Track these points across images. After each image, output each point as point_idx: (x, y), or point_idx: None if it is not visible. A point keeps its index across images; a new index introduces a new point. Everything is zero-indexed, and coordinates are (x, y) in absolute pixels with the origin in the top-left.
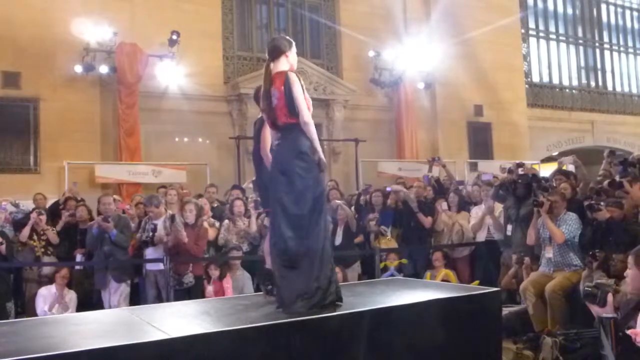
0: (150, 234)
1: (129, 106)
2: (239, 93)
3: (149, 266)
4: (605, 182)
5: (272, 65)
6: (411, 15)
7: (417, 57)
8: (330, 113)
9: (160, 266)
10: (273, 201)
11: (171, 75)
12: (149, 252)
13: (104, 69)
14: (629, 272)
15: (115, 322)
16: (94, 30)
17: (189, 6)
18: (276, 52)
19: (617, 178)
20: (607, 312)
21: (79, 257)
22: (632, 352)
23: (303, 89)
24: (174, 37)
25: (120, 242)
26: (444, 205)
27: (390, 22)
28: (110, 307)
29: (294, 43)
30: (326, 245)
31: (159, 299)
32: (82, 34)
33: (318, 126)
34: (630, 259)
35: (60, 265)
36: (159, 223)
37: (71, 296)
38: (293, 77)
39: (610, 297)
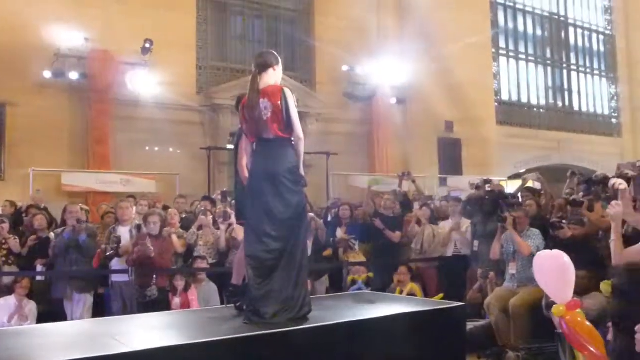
0: (115, 245)
1: (100, 113)
2: (212, 103)
3: (115, 277)
4: (569, 199)
5: (258, 77)
6: (385, 31)
7: (390, 72)
8: (303, 126)
9: (126, 277)
10: (258, 210)
11: (144, 84)
12: (115, 263)
13: (74, 75)
14: None
15: (78, 334)
16: (65, 36)
17: (164, 15)
18: (265, 66)
19: (580, 197)
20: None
21: (39, 268)
22: None
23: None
24: (147, 45)
25: (88, 248)
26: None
27: (364, 37)
28: (72, 318)
29: (280, 59)
30: (305, 256)
31: (124, 311)
32: (53, 40)
33: None
34: None
35: (22, 274)
36: (124, 233)
37: (31, 307)
38: (289, 94)
39: None
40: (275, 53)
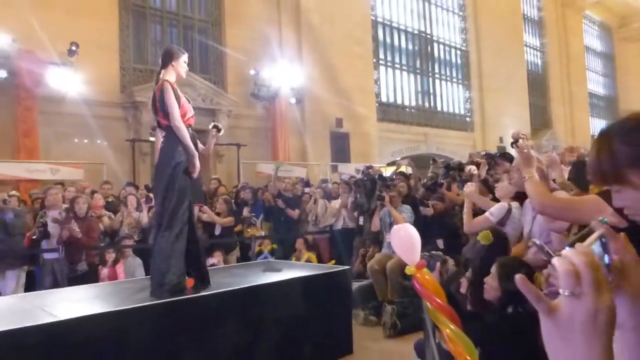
0: (42, 229)
1: (27, 109)
2: (134, 100)
3: (46, 255)
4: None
5: (162, 72)
6: (286, 41)
7: (290, 76)
8: (216, 121)
9: (57, 255)
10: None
11: (70, 83)
12: (45, 242)
13: (2, 74)
14: (489, 281)
15: (10, 308)
16: None
17: (89, 21)
18: (164, 61)
19: (441, 179)
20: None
21: None
22: None
23: (178, 97)
24: (74, 48)
25: (14, 226)
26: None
27: (268, 46)
28: (6, 294)
29: (184, 54)
30: (178, 243)
31: (55, 286)
32: None
33: (205, 132)
34: (494, 270)
35: None
36: (51, 216)
37: None
38: (166, 86)
39: (438, 264)
40: (179, 48)
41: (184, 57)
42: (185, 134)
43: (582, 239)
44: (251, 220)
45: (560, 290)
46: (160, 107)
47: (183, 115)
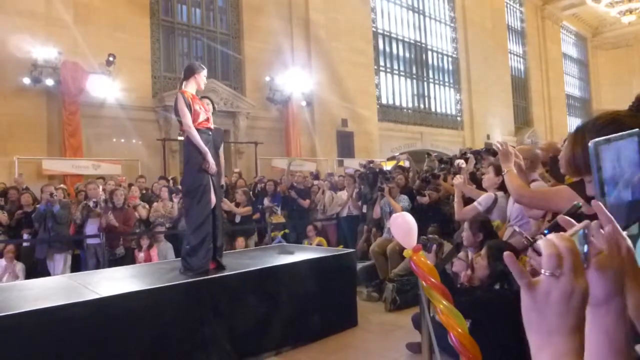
0: (93, 204)
1: (72, 113)
2: (164, 105)
3: (89, 240)
4: (428, 174)
5: (183, 84)
6: (297, 52)
7: (301, 82)
8: (236, 122)
9: (98, 240)
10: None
11: (109, 89)
12: (89, 229)
13: (50, 82)
14: (479, 261)
15: (59, 286)
16: (41, 50)
17: (124, 35)
18: (186, 74)
19: (436, 172)
20: (430, 258)
21: (25, 236)
22: None
23: (190, 104)
24: (111, 59)
25: (61, 216)
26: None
27: (281, 56)
28: (55, 275)
29: (204, 69)
30: (202, 231)
31: (97, 267)
32: (31, 53)
33: (226, 132)
34: (484, 251)
35: (11, 242)
36: (90, 206)
37: (20, 267)
38: (178, 96)
39: (434, 247)
40: (200, 63)
41: (204, 72)
42: (196, 136)
43: (556, 225)
44: (273, 209)
45: (542, 270)
46: (176, 114)
47: (195, 120)
